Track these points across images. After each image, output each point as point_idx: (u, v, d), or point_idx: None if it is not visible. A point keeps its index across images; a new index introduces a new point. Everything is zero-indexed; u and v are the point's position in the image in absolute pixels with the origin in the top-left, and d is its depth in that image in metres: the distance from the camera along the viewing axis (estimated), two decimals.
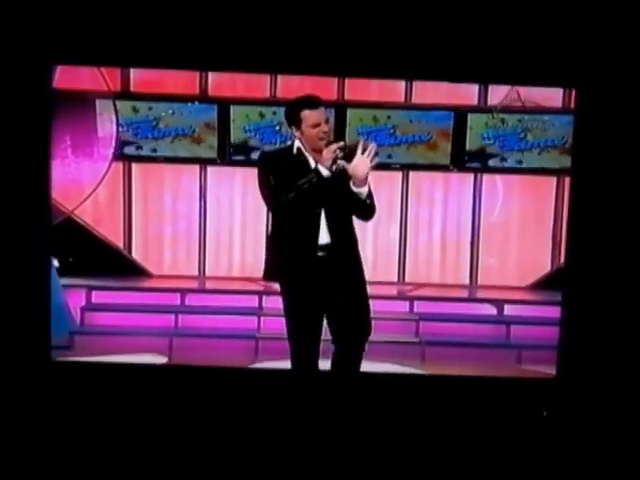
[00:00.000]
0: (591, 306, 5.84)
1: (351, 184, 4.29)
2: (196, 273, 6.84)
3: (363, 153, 4.25)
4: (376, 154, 4.30)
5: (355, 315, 4.54)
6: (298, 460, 4.61)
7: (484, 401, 5.85)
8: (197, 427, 5.39)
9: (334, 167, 4.27)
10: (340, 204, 4.42)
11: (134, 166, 6.71)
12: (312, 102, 4.45)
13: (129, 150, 6.62)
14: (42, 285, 5.89)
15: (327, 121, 4.40)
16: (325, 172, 4.30)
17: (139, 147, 6.59)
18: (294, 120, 4.43)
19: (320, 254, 4.45)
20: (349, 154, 4.32)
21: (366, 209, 4.44)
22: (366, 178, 4.28)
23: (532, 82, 6.11)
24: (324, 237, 4.45)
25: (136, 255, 6.81)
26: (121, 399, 5.73)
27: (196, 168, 6.70)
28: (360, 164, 4.24)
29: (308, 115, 4.40)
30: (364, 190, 4.31)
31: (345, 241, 4.51)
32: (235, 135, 6.56)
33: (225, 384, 5.99)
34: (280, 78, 6.45)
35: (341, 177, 4.34)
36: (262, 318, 6.43)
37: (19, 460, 4.71)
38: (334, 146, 4.30)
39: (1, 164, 5.69)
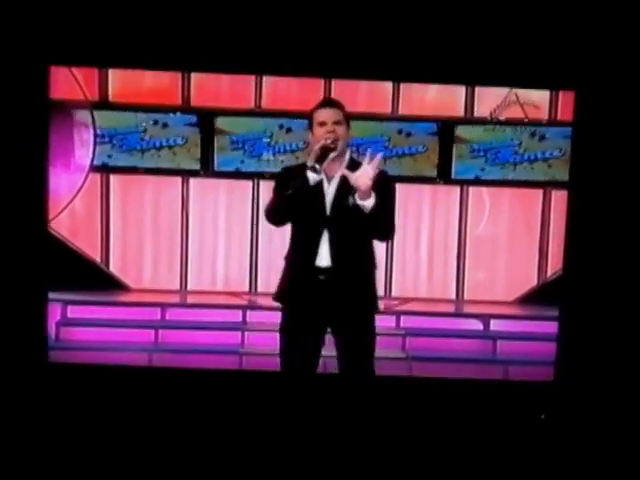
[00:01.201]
0: (589, 311, 5.94)
1: (356, 196, 4.20)
2: (177, 287, 6.71)
3: (369, 164, 4.17)
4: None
5: (357, 345, 4.50)
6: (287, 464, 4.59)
7: (481, 404, 5.89)
8: (193, 427, 5.48)
9: (318, 167, 4.20)
10: (345, 223, 4.33)
11: (112, 177, 6.58)
12: (325, 101, 4.49)
13: (107, 161, 6.50)
14: (39, 284, 6.17)
15: (337, 123, 4.34)
16: (311, 176, 4.21)
17: (117, 158, 6.50)
18: (310, 122, 4.43)
19: (321, 277, 4.36)
20: (356, 166, 4.26)
21: (374, 225, 4.33)
22: (369, 190, 4.16)
23: (529, 84, 6.16)
24: (325, 259, 4.37)
25: (114, 269, 6.68)
26: (117, 400, 5.88)
27: (178, 180, 6.59)
28: (362, 174, 4.16)
29: (318, 113, 4.39)
30: (368, 203, 4.19)
31: (352, 264, 4.39)
32: (219, 146, 6.50)
33: (220, 386, 6.00)
34: (265, 88, 6.40)
35: (346, 194, 4.27)
36: (246, 333, 6.39)
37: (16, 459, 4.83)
38: (321, 142, 4.25)
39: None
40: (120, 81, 6.43)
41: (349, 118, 4.48)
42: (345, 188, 4.30)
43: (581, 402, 5.89)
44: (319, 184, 4.33)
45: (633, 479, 4.90)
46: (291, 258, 4.52)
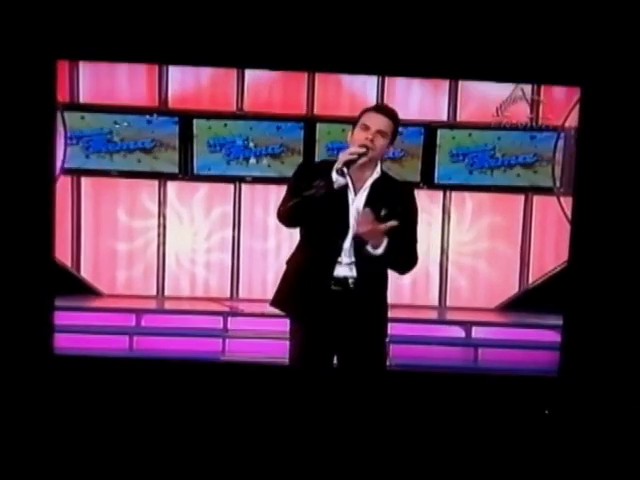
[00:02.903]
0: (592, 308, 6.10)
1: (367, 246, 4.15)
2: (154, 293, 6.64)
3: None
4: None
5: (367, 363, 4.40)
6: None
7: (485, 399, 5.97)
8: (199, 422, 5.65)
9: (346, 170, 4.04)
10: None
11: (84, 180, 6.52)
12: (379, 106, 4.32)
13: (79, 163, 6.45)
14: (44, 276, 6.30)
15: (380, 133, 4.17)
16: (336, 178, 4.06)
17: (89, 161, 6.45)
18: (356, 121, 4.26)
19: (335, 288, 4.26)
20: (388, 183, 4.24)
21: (391, 261, 4.29)
22: (378, 242, 4.13)
23: (535, 80, 6.27)
24: (344, 270, 4.27)
25: (85, 273, 6.61)
26: (124, 394, 6.05)
27: (155, 183, 6.55)
28: (375, 230, 4.10)
29: (366, 115, 4.23)
30: (379, 250, 4.15)
31: (370, 277, 4.30)
32: (199, 149, 6.47)
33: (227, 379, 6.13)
34: (247, 91, 6.39)
35: (376, 206, 4.15)
36: (227, 340, 6.39)
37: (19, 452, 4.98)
38: (353, 148, 4.10)
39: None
40: (92, 82, 6.38)
41: (397, 132, 4.33)
42: (374, 201, 4.21)
43: (585, 395, 6.00)
44: (344, 192, 4.23)
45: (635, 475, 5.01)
46: (302, 264, 4.38)
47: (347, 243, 4.25)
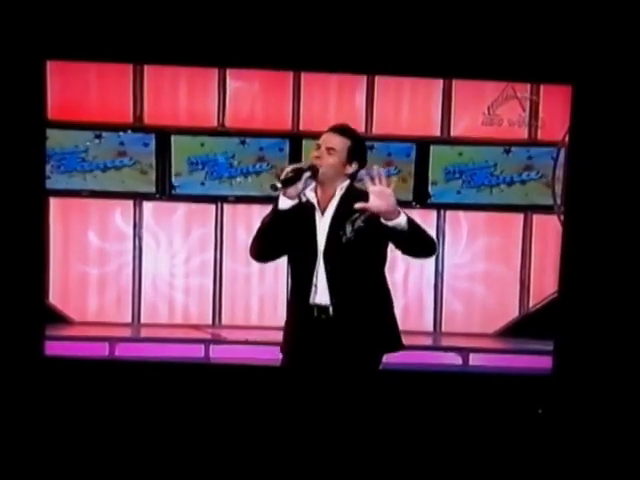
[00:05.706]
0: (589, 303, 6.26)
1: (383, 221, 3.92)
2: (128, 320, 6.61)
3: (374, 183, 3.91)
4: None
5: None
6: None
7: (479, 398, 6.01)
8: (189, 423, 5.76)
9: (279, 185, 3.99)
10: (345, 256, 4.14)
11: (52, 201, 6.51)
12: (334, 126, 4.27)
13: (47, 183, 6.44)
14: (37, 276, 6.36)
15: (330, 151, 4.15)
16: (282, 202, 4.08)
17: (58, 180, 6.47)
18: None
19: (322, 317, 4.16)
20: (361, 196, 4.03)
21: (415, 242, 4.06)
22: (394, 207, 3.88)
23: (527, 78, 6.37)
24: (325, 296, 4.17)
25: (54, 300, 6.58)
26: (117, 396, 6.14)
27: (129, 203, 6.55)
28: (380, 195, 3.87)
29: (322, 135, 4.24)
30: (401, 220, 3.90)
31: (357, 300, 4.18)
32: (177, 168, 6.49)
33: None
34: (228, 106, 6.44)
35: (342, 225, 4.13)
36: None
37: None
38: (290, 166, 4.09)
39: None
40: (62, 97, 6.41)
41: (359, 152, 4.26)
42: (340, 219, 4.15)
43: (579, 394, 6.05)
44: (312, 215, 4.22)
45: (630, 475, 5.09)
46: (289, 297, 4.41)
47: (319, 267, 4.18)
